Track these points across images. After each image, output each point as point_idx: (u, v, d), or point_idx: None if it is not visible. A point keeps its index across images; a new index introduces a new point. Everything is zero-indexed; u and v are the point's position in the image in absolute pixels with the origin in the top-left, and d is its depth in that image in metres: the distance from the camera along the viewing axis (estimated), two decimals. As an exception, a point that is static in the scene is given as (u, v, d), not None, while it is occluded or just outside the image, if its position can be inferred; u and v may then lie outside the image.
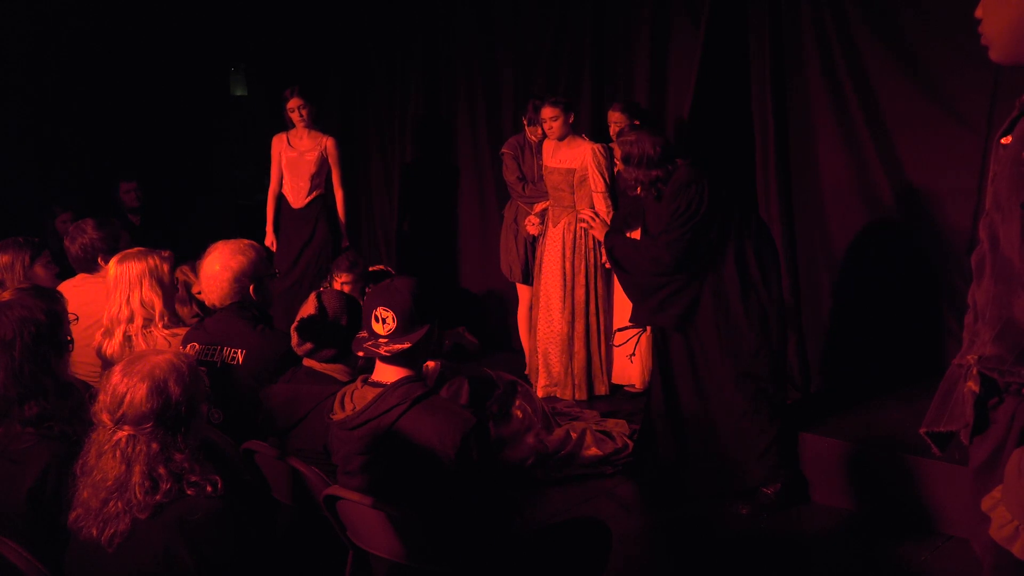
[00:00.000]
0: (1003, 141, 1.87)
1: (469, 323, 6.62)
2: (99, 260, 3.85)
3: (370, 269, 5.63)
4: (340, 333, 2.98)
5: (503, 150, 5.86)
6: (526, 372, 5.78)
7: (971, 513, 1.92)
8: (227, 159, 8.07)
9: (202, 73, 7.69)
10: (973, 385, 1.88)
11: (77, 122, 7.08)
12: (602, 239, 4.28)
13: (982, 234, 1.92)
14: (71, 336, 2.70)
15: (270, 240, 6.13)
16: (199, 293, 4.10)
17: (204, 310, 3.95)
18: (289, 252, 6.12)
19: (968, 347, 1.96)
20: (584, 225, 4.84)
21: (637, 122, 5.18)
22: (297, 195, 6.10)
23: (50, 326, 2.53)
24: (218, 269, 3.33)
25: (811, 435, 4.19)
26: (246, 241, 3.44)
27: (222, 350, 3.25)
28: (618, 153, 4.05)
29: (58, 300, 2.74)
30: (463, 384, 4.16)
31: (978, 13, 1.87)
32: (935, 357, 4.75)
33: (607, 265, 5.25)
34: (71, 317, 2.89)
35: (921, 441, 2.06)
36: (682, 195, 3.88)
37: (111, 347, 3.40)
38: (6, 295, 2.67)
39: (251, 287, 3.34)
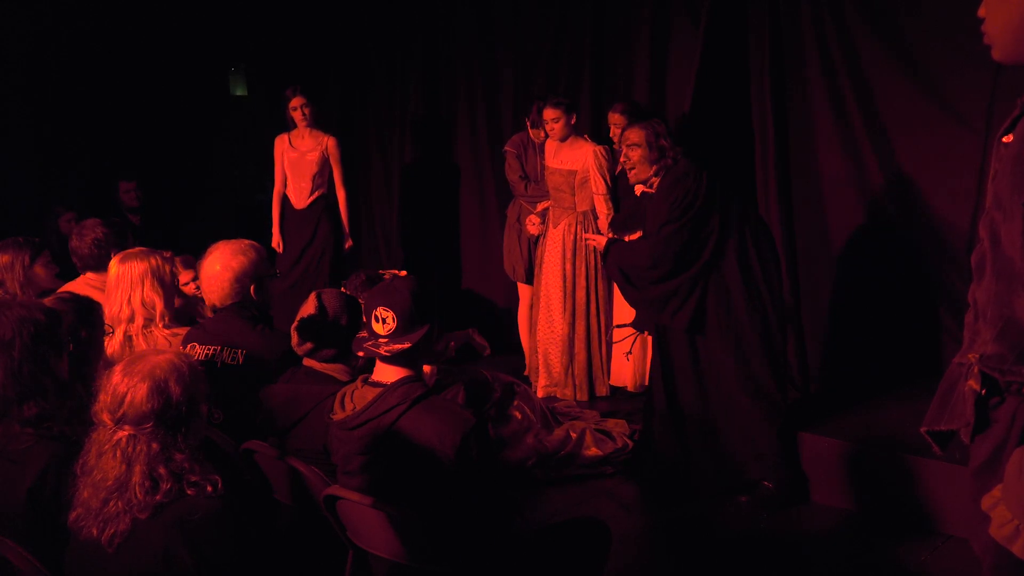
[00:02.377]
0: (1004, 140, 1.86)
1: (470, 322, 6.61)
2: (112, 255, 3.85)
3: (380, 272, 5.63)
4: (340, 333, 2.98)
5: (506, 148, 5.86)
6: (526, 372, 5.78)
7: (971, 512, 1.92)
8: (227, 159, 8.07)
9: (202, 73, 7.69)
10: (974, 384, 1.88)
11: (77, 122, 7.08)
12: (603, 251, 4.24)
13: (983, 233, 1.92)
14: (100, 346, 2.72)
15: (276, 241, 6.13)
16: (185, 285, 4.11)
17: (186, 302, 3.96)
18: (291, 252, 6.13)
19: (969, 346, 1.96)
20: (592, 244, 4.72)
21: (637, 124, 5.17)
22: (300, 195, 6.10)
23: (49, 326, 2.52)
24: (219, 269, 3.33)
25: (811, 435, 4.19)
26: (247, 241, 3.44)
27: (222, 350, 3.25)
28: (635, 137, 3.98)
29: (94, 310, 2.75)
30: (459, 391, 4.17)
31: (981, 12, 1.87)
32: (934, 357, 4.75)
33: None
34: (107, 329, 2.90)
35: (921, 441, 2.06)
36: (679, 185, 3.88)
37: (111, 346, 3.40)
38: (48, 301, 2.68)
39: (252, 287, 3.35)
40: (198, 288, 3.95)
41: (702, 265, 3.93)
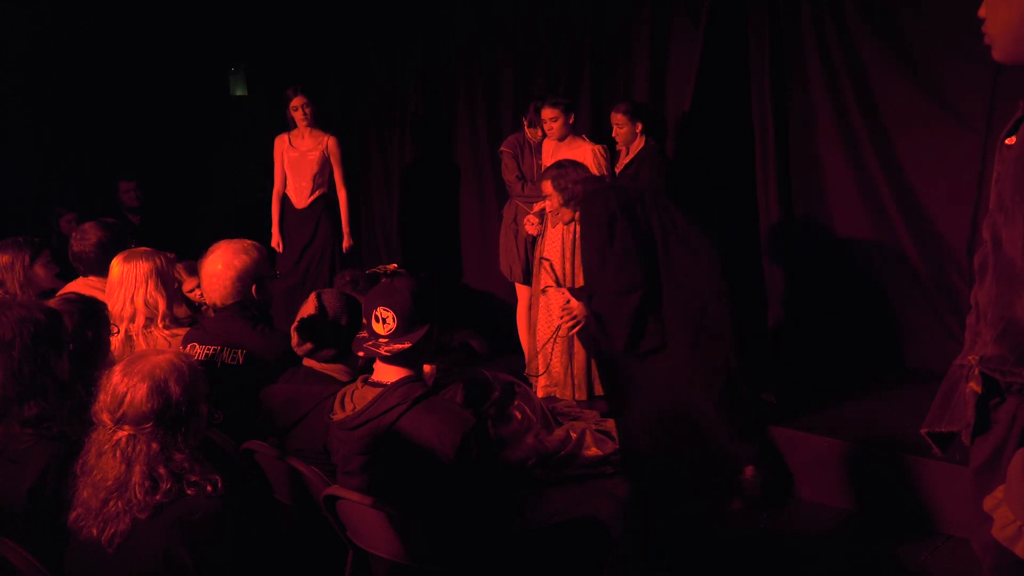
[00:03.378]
0: (1007, 142, 1.86)
1: (470, 323, 6.61)
2: (106, 260, 3.84)
3: (386, 268, 5.64)
4: (340, 333, 2.98)
5: (502, 148, 5.86)
6: (526, 373, 5.77)
7: (971, 513, 1.92)
8: (227, 159, 8.07)
9: (202, 73, 7.69)
10: (975, 385, 1.88)
11: (77, 122, 7.08)
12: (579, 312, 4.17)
13: (985, 234, 1.91)
14: (106, 345, 2.71)
15: (276, 241, 6.12)
16: (190, 292, 4.10)
17: (194, 310, 3.94)
18: (291, 252, 6.12)
19: (970, 347, 1.95)
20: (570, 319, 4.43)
21: (640, 125, 5.18)
22: (300, 195, 6.10)
23: (49, 326, 2.52)
24: (220, 268, 3.32)
25: (811, 435, 4.19)
26: (248, 241, 3.44)
27: (222, 350, 3.24)
28: (546, 188, 4.27)
29: (98, 310, 2.75)
30: (458, 390, 4.17)
31: (981, 12, 1.87)
32: (935, 357, 4.75)
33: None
34: (113, 330, 2.90)
35: (921, 441, 2.06)
36: (586, 213, 4.06)
37: (112, 344, 3.39)
38: (52, 302, 2.68)
39: (253, 287, 3.35)
40: (203, 295, 3.95)
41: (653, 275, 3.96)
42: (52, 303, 2.69)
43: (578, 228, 5.32)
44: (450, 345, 6.32)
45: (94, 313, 2.88)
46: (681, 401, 4.05)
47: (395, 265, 5.86)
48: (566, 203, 4.26)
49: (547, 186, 4.34)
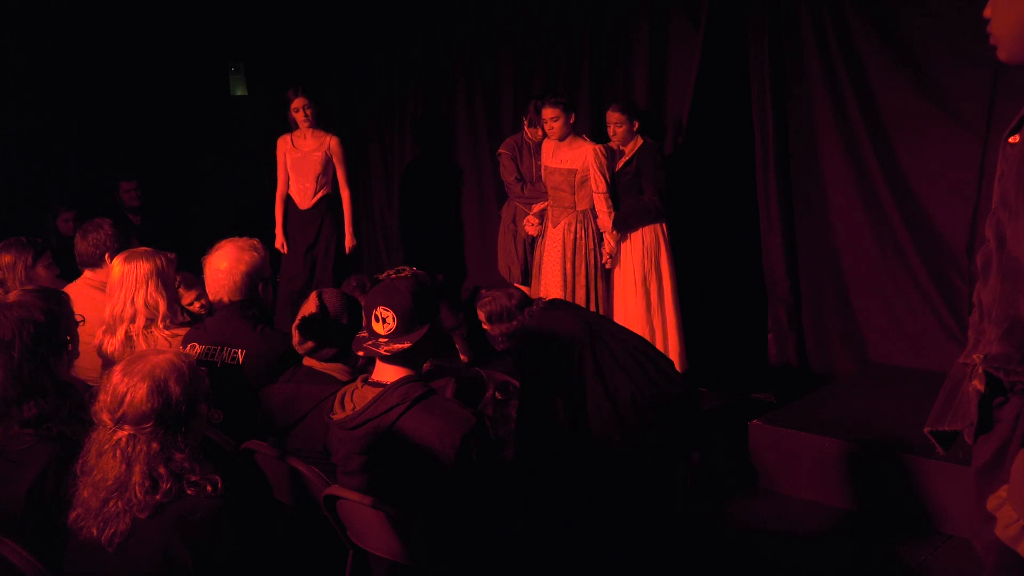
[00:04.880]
0: (1011, 140, 1.86)
1: (469, 323, 6.60)
2: (106, 257, 3.84)
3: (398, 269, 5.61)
4: (341, 332, 2.98)
5: (500, 151, 5.85)
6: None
7: (973, 512, 1.92)
8: (227, 159, 8.06)
9: (202, 73, 7.68)
10: (978, 384, 1.88)
11: (77, 122, 7.08)
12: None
13: (988, 233, 1.91)
14: (74, 337, 2.69)
15: (280, 242, 6.10)
16: (189, 305, 4.09)
17: (196, 320, 3.94)
18: (296, 254, 6.10)
19: (973, 346, 1.95)
20: None
21: (636, 123, 5.18)
22: (304, 196, 6.07)
23: (49, 326, 2.52)
24: (228, 265, 3.33)
25: (810, 434, 4.18)
26: (253, 240, 3.44)
27: (222, 350, 3.24)
28: (482, 316, 4.08)
29: (63, 301, 2.74)
30: (449, 384, 4.16)
31: (987, 13, 1.87)
32: (936, 356, 4.75)
33: (607, 264, 5.25)
34: (77, 318, 2.89)
35: (921, 441, 2.06)
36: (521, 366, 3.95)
37: (112, 345, 3.39)
38: (12, 295, 2.67)
39: (260, 285, 3.36)
40: (203, 307, 3.96)
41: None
42: (11, 296, 2.65)
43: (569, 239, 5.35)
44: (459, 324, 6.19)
45: (53, 299, 2.84)
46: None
47: (410, 269, 5.82)
48: (501, 347, 4.12)
49: (481, 316, 4.15)
